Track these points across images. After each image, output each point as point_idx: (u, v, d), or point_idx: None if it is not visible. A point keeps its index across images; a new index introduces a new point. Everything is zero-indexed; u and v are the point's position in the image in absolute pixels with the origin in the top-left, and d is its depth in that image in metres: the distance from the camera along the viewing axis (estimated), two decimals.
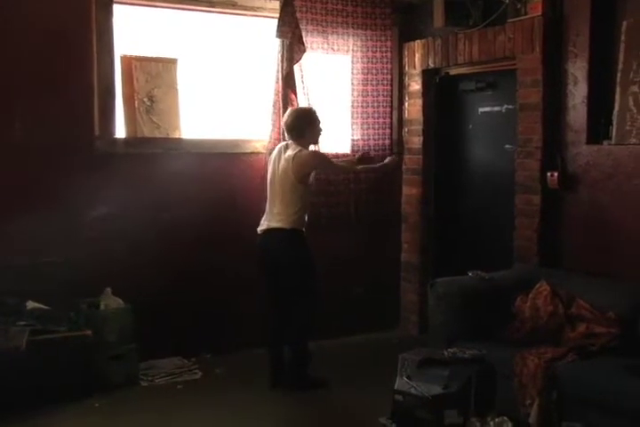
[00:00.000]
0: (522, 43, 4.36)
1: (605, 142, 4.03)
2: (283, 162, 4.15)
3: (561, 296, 3.83)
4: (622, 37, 3.91)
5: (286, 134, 4.29)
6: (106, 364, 4.09)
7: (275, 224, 4.13)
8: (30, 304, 4.04)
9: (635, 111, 3.86)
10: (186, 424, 3.69)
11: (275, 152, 4.29)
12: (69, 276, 4.19)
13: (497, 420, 2.67)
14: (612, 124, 3.97)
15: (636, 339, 3.51)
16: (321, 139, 4.41)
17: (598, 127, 4.07)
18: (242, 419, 3.77)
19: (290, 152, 4.15)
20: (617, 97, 3.93)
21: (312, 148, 4.35)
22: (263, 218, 4.25)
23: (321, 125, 4.30)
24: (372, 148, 5.26)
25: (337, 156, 5.07)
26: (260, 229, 4.23)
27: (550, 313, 3.74)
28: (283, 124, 4.32)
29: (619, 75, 3.93)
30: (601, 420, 3.07)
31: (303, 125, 4.19)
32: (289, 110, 4.36)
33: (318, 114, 4.30)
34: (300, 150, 4.12)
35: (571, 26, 4.16)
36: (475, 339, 3.65)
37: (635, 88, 3.86)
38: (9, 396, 3.68)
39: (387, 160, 4.99)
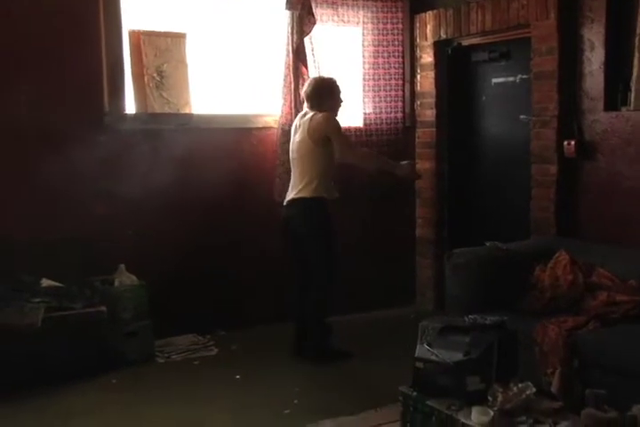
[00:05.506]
0: (536, 9, 4.27)
1: (624, 109, 3.95)
2: (300, 128, 4.13)
3: (580, 265, 3.78)
4: None
5: (305, 104, 4.23)
6: (121, 341, 4.08)
7: (296, 195, 4.10)
8: (45, 282, 4.04)
9: None
10: (206, 398, 3.66)
11: (295, 122, 4.26)
12: (83, 253, 4.20)
13: (520, 385, 2.63)
14: (630, 90, 3.89)
15: None
16: (341, 110, 4.31)
17: (616, 93, 4.00)
18: (262, 391, 3.76)
19: (307, 117, 4.12)
20: (635, 62, 3.85)
21: None
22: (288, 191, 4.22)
23: (341, 96, 4.23)
24: (384, 121, 5.19)
25: (349, 129, 5.01)
26: (285, 201, 4.20)
27: (570, 282, 3.69)
28: (302, 93, 4.29)
29: (637, 39, 3.84)
30: (624, 387, 3.01)
31: (323, 95, 4.13)
32: (310, 79, 4.31)
33: (339, 84, 4.23)
34: (316, 113, 4.07)
35: None
36: (493, 309, 3.57)
37: None
38: (25, 373, 3.69)
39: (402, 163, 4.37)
